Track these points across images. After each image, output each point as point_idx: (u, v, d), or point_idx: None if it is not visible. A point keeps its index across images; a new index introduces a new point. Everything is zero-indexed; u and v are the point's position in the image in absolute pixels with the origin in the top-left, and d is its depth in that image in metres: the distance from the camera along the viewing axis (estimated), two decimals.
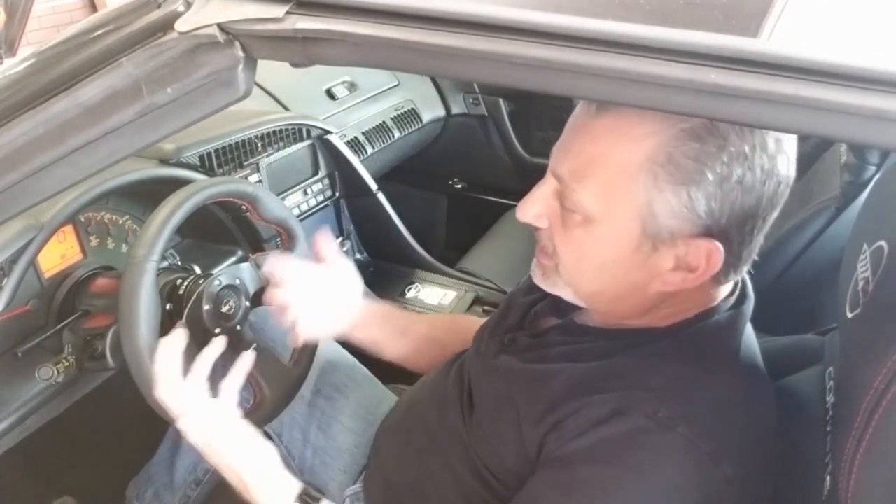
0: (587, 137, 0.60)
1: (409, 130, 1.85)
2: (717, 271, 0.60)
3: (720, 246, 0.59)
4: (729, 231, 0.59)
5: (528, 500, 0.64)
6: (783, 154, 0.58)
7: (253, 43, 0.52)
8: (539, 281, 0.69)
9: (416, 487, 0.78)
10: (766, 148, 0.56)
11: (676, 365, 0.63)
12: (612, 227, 0.60)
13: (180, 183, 0.99)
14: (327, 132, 1.48)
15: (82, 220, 1.04)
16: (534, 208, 0.64)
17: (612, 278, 0.64)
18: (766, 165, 0.56)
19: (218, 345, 0.81)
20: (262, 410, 0.94)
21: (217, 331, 0.89)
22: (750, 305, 0.68)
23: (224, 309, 0.90)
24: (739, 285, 0.69)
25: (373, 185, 1.56)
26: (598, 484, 0.60)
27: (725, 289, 0.67)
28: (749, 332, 0.68)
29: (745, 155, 0.55)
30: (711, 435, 0.59)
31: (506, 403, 0.70)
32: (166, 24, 0.54)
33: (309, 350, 1.01)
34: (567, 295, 0.68)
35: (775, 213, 0.61)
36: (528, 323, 0.79)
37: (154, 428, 1.06)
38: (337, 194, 1.55)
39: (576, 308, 0.72)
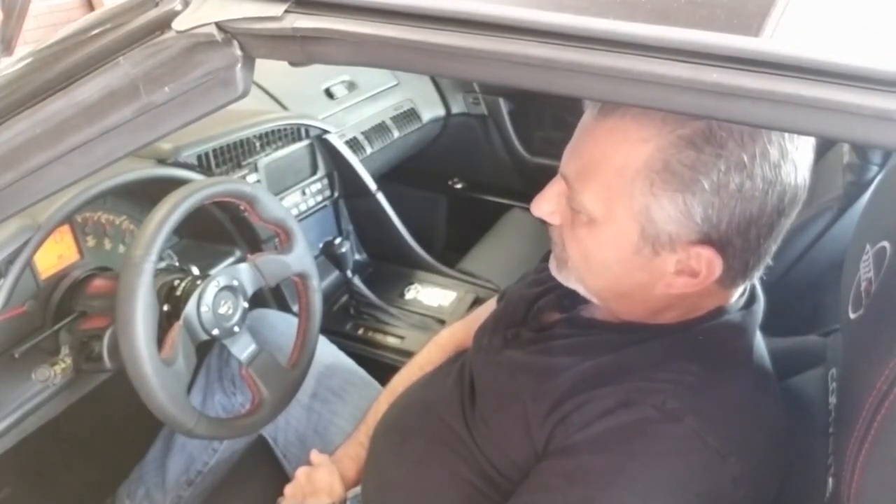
0: (590, 139, 0.61)
1: (409, 130, 1.84)
2: (717, 278, 0.60)
3: (718, 254, 0.59)
4: (731, 238, 0.58)
5: (532, 489, 0.64)
6: (789, 163, 0.57)
7: (251, 42, 0.52)
8: (555, 272, 0.71)
9: (411, 487, 0.78)
10: (767, 157, 0.55)
11: (686, 361, 0.63)
12: (612, 229, 0.61)
13: (178, 183, 0.98)
14: (326, 132, 1.47)
15: (79, 220, 1.04)
16: (546, 206, 0.66)
17: (617, 277, 0.64)
18: (767, 175, 0.56)
19: None
20: (259, 413, 0.94)
21: (215, 332, 0.89)
22: (760, 307, 0.68)
23: (222, 310, 0.89)
24: (748, 287, 0.69)
25: (372, 186, 1.55)
26: (602, 472, 0.60)
27: (737, 291, 0.67)
28: (758, 334, 0.68)
29: (744, 164, 0.55)
30: (720, 431, 0.58)
31: (511, 399, 0.69)
32: (164, 23, 0.54)
33: (307, 353, 1.01)
34: (580, 289, 0.69)
35: (786, 221, 0.60)
36: (532, 317, 0.79)
37: (149, 429, 1.06)
38: (336, 194, 1.54)
39: (581, 302, 0.73)
